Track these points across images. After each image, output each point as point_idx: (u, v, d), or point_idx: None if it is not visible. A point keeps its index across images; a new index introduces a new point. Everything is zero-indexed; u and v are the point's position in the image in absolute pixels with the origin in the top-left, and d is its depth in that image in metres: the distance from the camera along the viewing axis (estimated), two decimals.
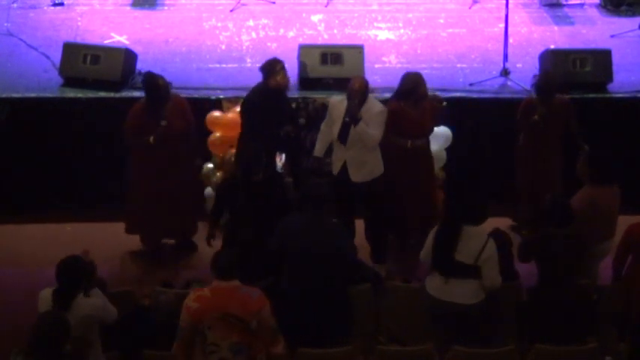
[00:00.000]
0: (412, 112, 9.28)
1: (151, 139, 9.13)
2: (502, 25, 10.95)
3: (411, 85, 9.30)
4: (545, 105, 9.35)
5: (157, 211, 9.46)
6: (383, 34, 11.74)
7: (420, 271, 9.07)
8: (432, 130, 9.50)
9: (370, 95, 9.15)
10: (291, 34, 11.72)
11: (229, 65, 11.04)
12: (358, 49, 10.76)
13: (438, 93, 9.46)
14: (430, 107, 9.43)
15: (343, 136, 9.01)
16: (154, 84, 9.23)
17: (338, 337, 7.50)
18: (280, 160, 9.66)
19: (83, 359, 6.66)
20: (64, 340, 6.09)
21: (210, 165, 10.22)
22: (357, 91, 8.95)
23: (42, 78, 10.64)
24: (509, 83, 10.65)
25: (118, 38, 11.42)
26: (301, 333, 7.33)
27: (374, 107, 9.02)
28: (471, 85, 10.62)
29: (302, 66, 10.54)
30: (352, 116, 8.87)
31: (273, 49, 11.19)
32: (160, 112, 9.16)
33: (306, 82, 10.46)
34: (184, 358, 6.69)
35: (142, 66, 10.71)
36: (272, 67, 9.35)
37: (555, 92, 9.47)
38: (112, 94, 10.36)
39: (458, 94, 10.44)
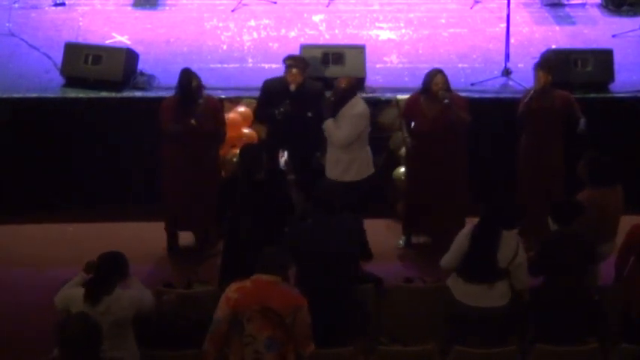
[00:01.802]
0: (425, 106, 9.34)
1: (193, 120, 9.17)
2: (503, 24, 10.95)
3: (425, 79, 9.43)
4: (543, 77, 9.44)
5: (183, 207, 9.53)
6: (384, 34, 11.73)
7: (421, 271, 9.10)
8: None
9: (359, 97, 9.23)
10: (292, 34, 11.72)
11: (231, 65, 11.03)
12: (360, 49, 10.76)
13: (441, 92, 9.41)
14: (462, 100, 9.53)
15: None
16: (187, 82, 9.27)
17: (353, 335, 7.50)
18: (282, 156, 9.66)
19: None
20: (98, 341, 6.05)
21: None
22: (343, 89, 9.12)
23: (43, 78, 10.64)
24: (510, 83, 10.65)
25: (120, 38, 11.42)
26: (314, 333, 7.32)
27: (354, 108, 9.13)
28: (472, 85, 10.61)
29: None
30: (326, 112, 9.06)
31: (275, 49, 11.20)
32: (190, 110, 9.20)
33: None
34: (216, 352, 6.73)
35: (143, 66, 10.71)
36: (284, 61, 9.52)
37: (552, 70, 9.56)
38: (113, 95, 10.35)
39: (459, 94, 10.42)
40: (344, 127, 9.10)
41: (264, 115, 9.70)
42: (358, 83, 9.36)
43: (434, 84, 9.32)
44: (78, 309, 6.56)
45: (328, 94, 9.77)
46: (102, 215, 10.21)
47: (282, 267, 6.83)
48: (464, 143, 9.56)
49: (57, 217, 10.25)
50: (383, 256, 9.73)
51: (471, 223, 7.94)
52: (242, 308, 6.69)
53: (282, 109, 9.33)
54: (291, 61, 9.51)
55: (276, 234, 8.13)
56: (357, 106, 9.18)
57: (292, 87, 9.46)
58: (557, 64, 10.13)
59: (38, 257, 9.54)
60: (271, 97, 9.54)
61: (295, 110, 9.36)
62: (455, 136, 9.46)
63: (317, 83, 9.88)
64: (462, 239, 7.65)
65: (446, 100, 9.22)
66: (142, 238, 9.81)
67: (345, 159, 9.21)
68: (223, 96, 10.31)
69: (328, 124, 9.15)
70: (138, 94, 10.34)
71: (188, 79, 9.30)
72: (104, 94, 10.36)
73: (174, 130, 9.22)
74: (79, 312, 6.38)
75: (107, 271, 6.76)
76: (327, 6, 12.32)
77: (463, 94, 10.34)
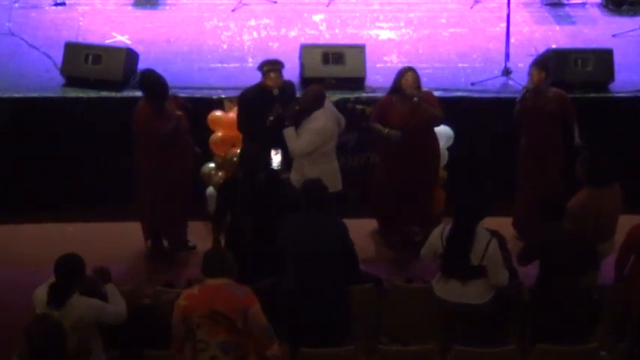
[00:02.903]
0: (399, 106, 9.31)
1: (179, 112, 9.15)
2: (504, 24, 10.94)
3: (395, 78, 9.39)
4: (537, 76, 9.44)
5: (162, 210, 9.50)
6: (384, 34, 11.72)
7: (421, 271, 9.10)
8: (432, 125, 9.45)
9: (322, 111, 9.09)
10: (292, 33, 11.71)
11: (231, 65, 11.03)
12: (360, 49, 10.74)
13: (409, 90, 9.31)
14: (433, 97, 9.46)
15: None
16: (156, 81, 9.25)
17: (337, 336, 7.49)
18: (276, 155, 9.62)
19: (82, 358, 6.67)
20: (61, 342, 6.08)
21: (212, 165, 10.21)
22: (309, 100, 9.05)
23: (43, 78, 10.63)
24: (510, 83, 10.64)
25: (120, 38, 11.41)
26: (303, 333, 7.32)
27: (314, 122, 9.04)
28: (472, 84, 10.61)
29: (303, 66, 10.53)
30: (288, 119, 9.02)
31: (275, 49, 11.19)
32: (163, 108, 9.18)
33: (308, 82, 10.44)
34: (181, 356, 6.73)
35: (143, 66, 10.68)
36: (260, 68, 9.39)
37: (546, 69, 9.55)
38: (113, 94, 10.35)
39: (459, 94, 10.42)
40: (301, 139, 9.00)
41: (252, 126, 9.43)
42: (323, 96, 9.22)
43: (404, 81, 9.29)
44: (41, 310, 6.62)
45: (327, 95, 9.82)
46: (102, 215, 10.21)
47: (228, 268, 6.74)
48: (436, 139, 9.61)
49: (57, 217, 10.26)
50: (382, 256, 9.77)
51: (445, 221, 7.99)
52: (190, 315, 6.64)
53: (273, 116, 9.26)
54: (268, 66, 9.35)
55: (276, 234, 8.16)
56: (318, 120, 9.04)
57: (275, 91, 9.35)
58: (552, 63, 10.12)
59: (38, 257, 9.52)
60: (256, 107, 9.38)
61: (284, 112, 9.34)
62: (429, 134, 9.47)
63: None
64: (434, 237, 7.73)
65: (415, 99, 9.18)
66: (141, 238, 9.79)
67: (311, 171, 8.98)
68: (223, 96, 10.30)
69: (288, 133, 9.01)
70: (138, 93, 10.29)
71: (157, 78, 9.28)
72: (104, 93, 10.35)
73: (168, 130, 9.17)
74: (40, 313, 6.45)
75: (65, 273, 6.73)
76: (327, 6, 12.31)
77: (463, 94, 10.36)
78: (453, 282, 7.63)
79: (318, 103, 9.10)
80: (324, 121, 9.08)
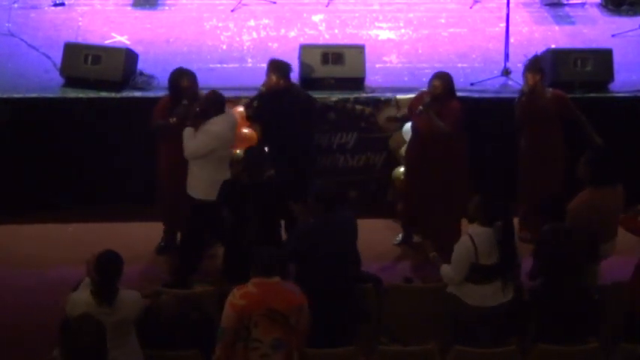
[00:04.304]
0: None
1: (172, 118, 9.12)
2: (503, 24, 10.95)
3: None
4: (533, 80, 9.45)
5: (177, 206, 9.46)
6: (384, 34, 11.73)
7: (421, 271, 9.11)
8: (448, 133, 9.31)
9: (225, 116, 9.00)
10: (292, 34, 11.71)
11: (230, 65, 11.04)
12: (359, 49, 10.74)
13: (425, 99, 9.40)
14: (453, 109, 9.38)
15: None
16: (175, 82, 9.28)
17: (348, 336, 7.51)
18: None
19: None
20: (103, 341, 6.06)
21: None
22: (207, 103, 8.95)
23: (43, 78, 10.63)
24: (510, 83, 10.65)
25: (119, 38, 11.41)
26: (314, 332, 7.31)
27: (212, 125, 8.86)
28: (472, 84, 10.61)
29: (303, 66, 10.53)
30: (190, 118, 8.94)
31: (274, 49, 11.19)
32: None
33: (307, 82, 10.44)
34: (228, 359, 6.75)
35: (142, 66, 10.71)
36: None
37: (540, 71, 9.55)
38: (113, 95, 10.35)
39: (459, 94, 10.38)
40: (197, 139, 8.82)
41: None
42: (222, 100, 9.10)
43: (430, 86, 9.31)
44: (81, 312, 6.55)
45: (327, 95, 9.84)
46: (102, 215, 10.21)
47: (282, 267, 6.86)
48: (462, 145, 9.54)
49: (57, 217, 10.25)
50: (383, 256, 9.78)
51: (465, 232, 7.96)
52: (249, 314, 6.68)
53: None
54: (269, 64, 9.46)
55: (277, 234, 8.17)
56: (217, 124, 8.87)
57: (262, 88, 9.43)
58: (546, 64, 10.11)
59: (38, 257, 9.54)
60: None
61: (284, 115, 9.34)
62: (449, 140, 9.38)
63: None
64: (464, 249, 7.61)
65: (420, 107, 9.20)
66: (142, 238, 9.82)
67: (196, 173, 8.92)
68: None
69: (186, 132, 8.86)
70: (137, 94, 10.34)
71: (176, 79, 9.31)
72: (104, 94, 10.36)
73: (154, 127, 9.25)
74: (83, 314, 6.33)
75: (111, 270, 6.77)
76: (327, 6, 12.31)
77: (463, 94, 10.33)
78: (492, 285, 7.59)
79: (217, 107, 8.97)
80: (222, 126, 8.92)
